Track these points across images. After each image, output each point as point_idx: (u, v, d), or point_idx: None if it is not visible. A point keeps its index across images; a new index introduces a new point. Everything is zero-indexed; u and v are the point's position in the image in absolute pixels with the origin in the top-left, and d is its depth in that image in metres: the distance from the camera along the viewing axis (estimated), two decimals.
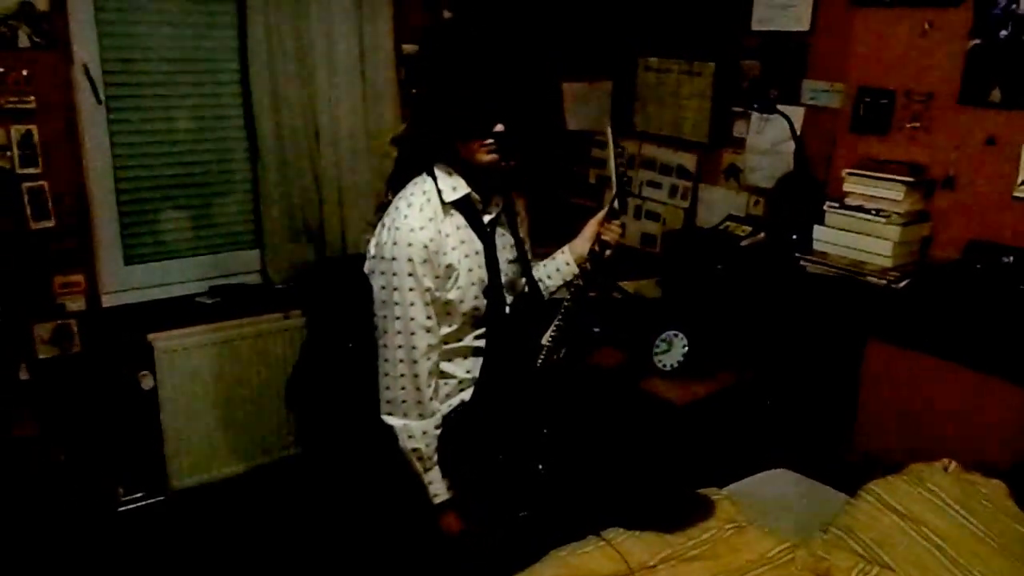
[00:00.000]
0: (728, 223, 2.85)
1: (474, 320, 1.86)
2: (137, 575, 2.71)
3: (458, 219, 1.81)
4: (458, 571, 2.03)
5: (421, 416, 1.81)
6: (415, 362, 1.78)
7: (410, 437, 1.81)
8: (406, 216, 1.74)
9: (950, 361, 2.26)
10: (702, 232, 3.00)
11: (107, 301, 2.84)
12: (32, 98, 2.52)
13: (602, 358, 2.67)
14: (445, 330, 1.84)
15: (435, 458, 1.84)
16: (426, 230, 1.74)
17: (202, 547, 2.82)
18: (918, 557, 1.88)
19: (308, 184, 3.05)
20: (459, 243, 1.79)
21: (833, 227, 2.44)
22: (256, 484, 3.13)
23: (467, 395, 1.91)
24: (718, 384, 2.57)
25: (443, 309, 1.81)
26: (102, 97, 2.71)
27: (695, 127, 3.06)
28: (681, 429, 2.43)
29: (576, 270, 2.03)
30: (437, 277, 1.76)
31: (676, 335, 2.57)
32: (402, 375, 1.79)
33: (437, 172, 1.79)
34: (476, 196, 1.82)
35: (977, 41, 2.22)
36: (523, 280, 1.96)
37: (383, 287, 1.77)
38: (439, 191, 1.78)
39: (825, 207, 2.46)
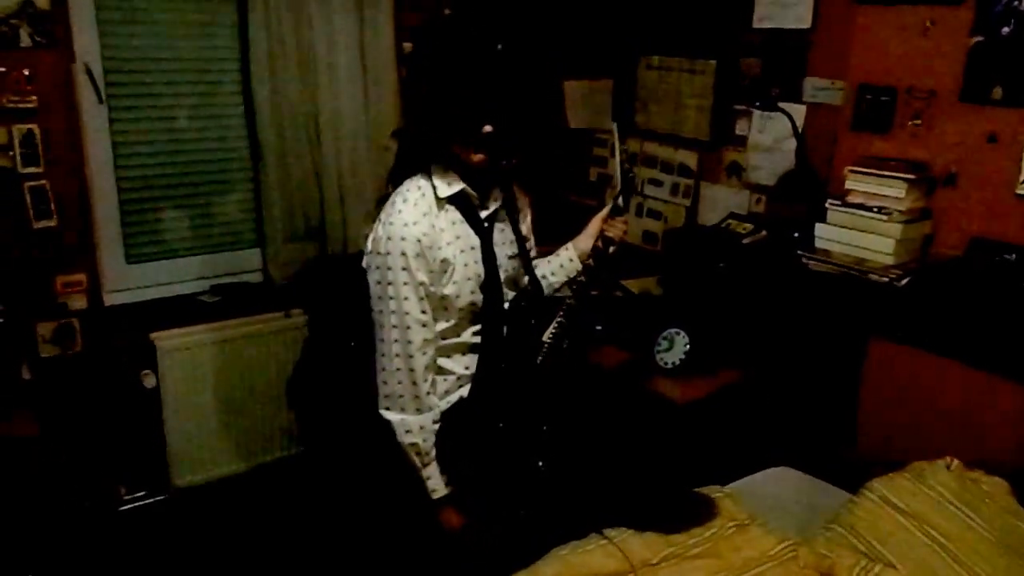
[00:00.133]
0: (730, 221, 2.85)
1: (472, 316, 1.86)
2: (139, 574, 2.71)
3: (454, 214, 1.81)
4: (459, 570, 2.03)
5: (418, 411, 1.82)
6: (411, 356, 1.78)
7: (407, 432, 1.82)
8: (400, 211, 1.75)
9: (952, 359, 2.26)
10: (704, 230, 3.00)
11: (109, 300, 2.84)
12: (34, 97, 2.52)
13: (604, 356, 2.67)
14: (443, 325, 1.84)
15: (433, 453, 1.85)
16: (419, 225, 1.74)
17: (204, 546, 2.82)
18: (920, 555, 1.88)
19: (309, 182, 3.05)
20: (454, 238, 1.80)
21: (835, 225, 2.44)
22: (258, 483, 3.13)
23: (466, 391, 1.91)
24: (720, 382, 2.57)
25: (440, 304, 1.81)
26: (103, 96, 2.71)
27: (696, 125, 3.06)
28: (683, 427, 2.43)
29: (580, 267, 2.03)
30: (431, 272, 1.76)
31: (678, 333, 2.57)
32: (398, 369, 1.80)
33: (433, 168, 1.80)
34: (472, 192, 1.82)
35: (979, 38, 2.22)
36: (525, 276, 1.96)
37: (378, 282, 1.78)
38: (434, 187, 1.79)
39: (827, 205, 2.45)
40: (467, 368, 1.91)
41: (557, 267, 2.08)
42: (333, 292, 2.99)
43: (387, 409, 1.84)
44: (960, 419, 2.27)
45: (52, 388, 2.74)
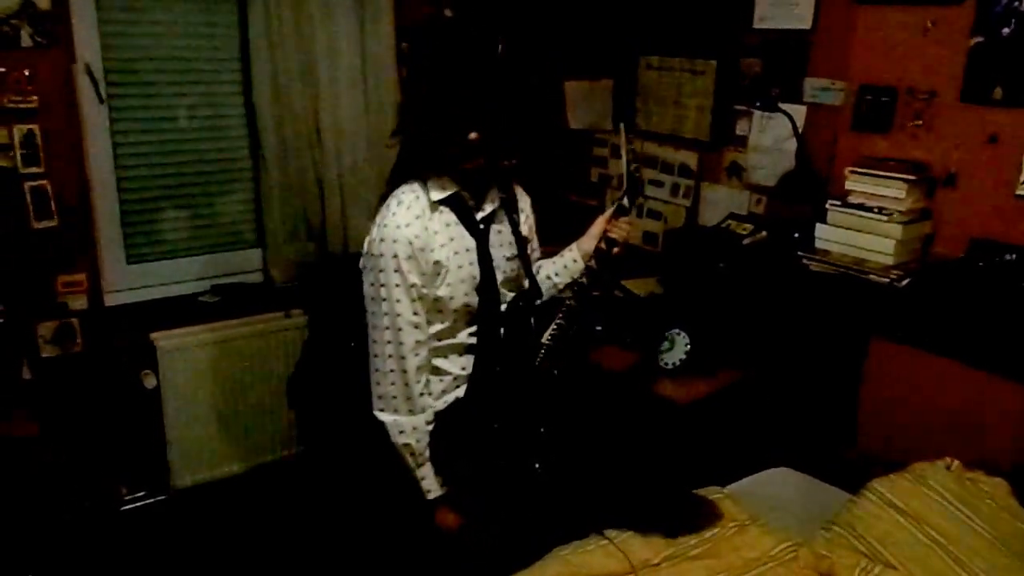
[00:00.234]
0: (730, 221, 2.85)
1: (467, 317, 1.87)
2: (139, 574, 2.71)
3: (448, 217, 1.81)
4: (458, 570, 2.03)
5: (411, 412, 1.83)
6: (403, 358, 1.79)
7: (400, 432, 1.83)
8: (394, 213, 1.77)
9: (952, 359, 2.26)
10: (704, 231, 3.00)
11: (109, 300, 2.84)
12: (34, 97, 2.52)
13: (606, 358, 2.67)
14: (438, 327, 1.85)
15: (427, 454, 1.85)
16: (412, 227, 1.75)
17: (204, 546, 2.82)
18: (920, 555, 1.88)
19: (310, 183, 3.05)
20: (448, 240, 1.80)
21: (835, 225, 2.44)
22: (258, 483, 3.14)
23: (463, 391, 1.91)
24: (720, 382, 2.57)
25: (434, 306, 1.82)
26: (104, 96, 2.71)
27: (697, 125, 3.06)
28: (683, 427, 2.43)
29: (583, 267, 2.03)
30: (423, 274, 1.77)
31: (678, 333, 2.57)
32: (391, 370, 1.81)
33: (428, 171, 1.81)
34: (466, 195, 1.82)
35: (979, 39, 2.22)
36: (524, 277, 1.96)
37: (372, 283, 1.80)
38: (428, 190, 1.79)
39: (827, 205, 2.46)
40: (463, 369, 1.91)
41: (561, 268, 2.08)
42: (333, 292, 2.99)
43: (381, 410, 1.85)
44: (960, 419, 2.27)
45: (52, 388, 2.74)
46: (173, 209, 2.98)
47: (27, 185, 2.57)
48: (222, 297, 3.03)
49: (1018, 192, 2.19)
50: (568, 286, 2.06)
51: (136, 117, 2.82)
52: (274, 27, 2.84)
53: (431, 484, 1.87)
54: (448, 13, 3.22)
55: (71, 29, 2.58)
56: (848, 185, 2.43)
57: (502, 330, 1.89)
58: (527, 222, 2.00)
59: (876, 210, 2.34)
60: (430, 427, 1.85)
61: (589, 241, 2.02)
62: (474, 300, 1.84)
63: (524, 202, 2.01)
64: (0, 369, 2.64)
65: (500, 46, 1.75)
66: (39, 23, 2.49)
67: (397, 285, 1.76)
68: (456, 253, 1.81)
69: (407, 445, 1.84)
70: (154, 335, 2.90)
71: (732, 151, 2.97)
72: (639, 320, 2.72)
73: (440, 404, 1.89)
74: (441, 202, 1.80)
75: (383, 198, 1.86)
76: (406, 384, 1.81)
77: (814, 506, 2.22)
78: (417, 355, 1.80)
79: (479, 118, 1.71)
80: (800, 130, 2.62)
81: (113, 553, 2.76)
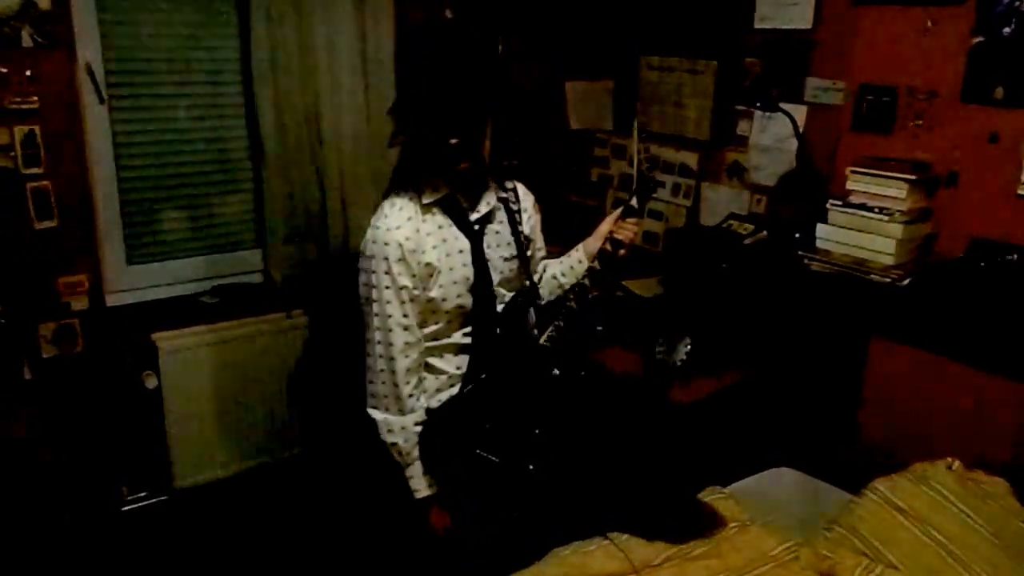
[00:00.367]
0: (731, 221, 2.85)
1: (461, 317, 1.87)
2: (141, 575, 2.71)
3: (441, 219, 1.82)
4: (458, 570, 2.04)
5: (400, 412, 1.84)
6: (392, 358, 1.81)
7: (389, 431, 1.85)
8: (386, 216, 1.79)
9: (953, 359, 2.26)
10: (705, 231, 3.00)
11: (110, 301, 2.84)
12: (35, 98, 2.53)
13: (606, 357, 2.67)
14: (433, 327, 1.86)
15: (415, 454, 1.86)
16: (402, 229, 1.76)
17: (206, 546, 2.82)
18: (922, 555, 1.88)
19: (310, 183, 3.05)
20: (440, 242, 1.80)
21: (836, 225, 2.44)
22: (260, 483, 3.14)
23: (458, 390, 1.92)
24: (721, 383, 2.57)
25: (428, 307, 1.83)
26: (105, 97, 2.71)
27: (697, 125, 3.06)
28: (684, 428, 2.43)
29: (588, 268, 2.02)
30: (414, 276, 1.78)
31: (679, 334, 2.56)
32: (382, 370, 1.83)
33: (421, 173, 1.81)
34: (460, 196, 1.82)
35: (980, 39, 2.22)
36: (523, 277, 1.95)
37: (364, 284, 1.82)
38: (420, 192, 1.80)
39: (828, 205, 2.45)
40: (458, 368, 1.91)
41: (567, 268, 2.07)
42: (334, 293, 2.99)
43: (373, 408, 1.87)
44: (961, 419, 2.27)
45: (54, 389, 2.74)
46: (174, 210, 2.98)
47: (28, 186, 2.57)
48: (223, 298, 3.03)
49: (1019, 192, 2.19)
50: (573, 287, 2.06)
51: (137, 118, 2.82)
52: (275, 27, 2.84)
53: (419, 484, 1.88)
54: (449, 14, 3.22)
55: (72, 30, 2.58)
56: (849, 185, 2.43)
57: (498, 330, 1.89)
58: (529, 222, 1.99)
59: (877, 210, 2.34)
60: (418, 428, 1.86)
61: (595, 241, 2.01)
62: (468, 301, 1.84)
63: (527, 201, 2.00)
64: (1, 369, 2.64)
65: (500, 46, 1.75)
66: (40, 24, 2.49)
67: (387, 287, 1.77)
68: (448, 255, 1.81)
69: (394, 444, 1.86)
70: (155, 336, 2.90)
71: (733, 151, 2.97)
72: (640, 320, 2.72)
73: (435, 402, 1.90)
74: (433, 204, 1.81)
75: (384, 198, 1.87)
76: (395, 384, 1.82)
77: (815, 506, 2.22)
78: (407, 356, 1.82)
79: (456, 122, 1.71)
80: (801, 130, 2.62)
81: (114, 553, 2.76)
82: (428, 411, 1.88)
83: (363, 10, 3.01)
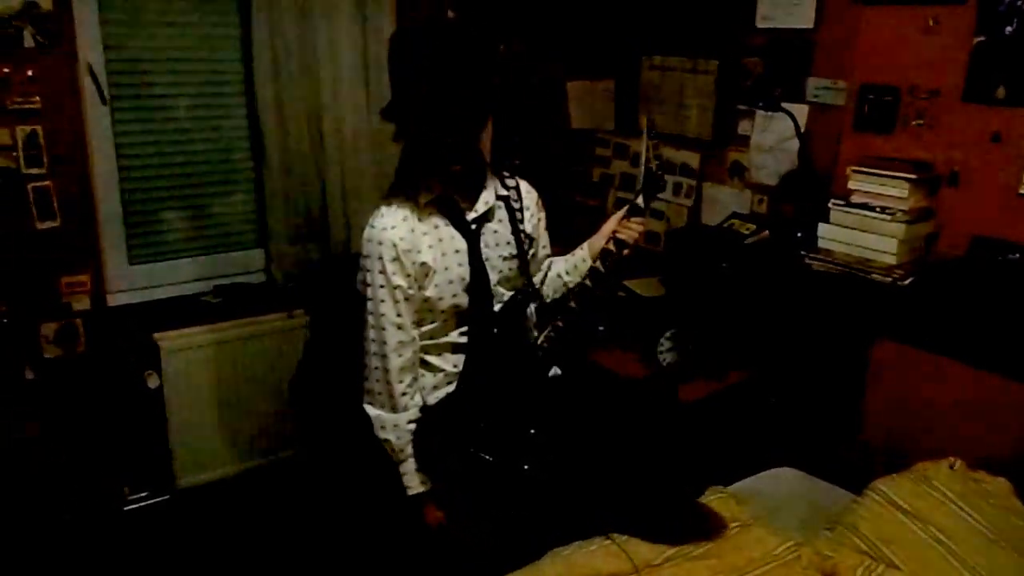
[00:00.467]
0: (732, 221, 2.85)
1: (457, 317, 1.87)
2: (143, 574, 2.72)
3: (437, 219, 1.82)
4: (456, 569, 2.04)
5: (393, 409, 1.85)
6: (385, 356, 1.82)
7: (382, 428, 1.86)
8: (382, 215, 1.79)
9: (955, 359, 2.26)
10: (706, 230, 2.99)
11: (112, 301, 2.84)
12: (37, 98, 2.53)
13: (606, 357, 2.67)
14: (429, 326, 1.86)
15: (408, 451, 1.87)
16: (397, 229, 1.77)
17: (208, 546, 2.82)
18: (924, 555, 1.88)
19: (312, 183, 3.05)
20: (436, 242, 1.81)
21: (838, 225, 2.44)
22: (261, 483, 3.14)
23: (455, 388, 1.92)
24: (723, 382, 2.57)
25: (424, 306, 1.83)
26: (106, 97, 2.71)
27: (699, 125, 3.06)
28: (686, 427, 2.43)
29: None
30: (408, 275, 1.78)
31: (680, 333, 2.56)
32: (375, 368, 1.84)
33: (418, 173, 1.82)
34: (457, 196, 1.83)
35: (982, 38, 2.22)
36: (522, 276, 1.95)
37: (361, 282, 1.84)
38: (416, 192, 1.80)
39: (830, 205, 2.45)
40: (456, 366, 1.91)
41: (572, 267, 2.06)
42: (335, 293, 2.99)
43: (368, 404, 1.89)
44: (963, 419, 2.26)
45: (56, 388, 2.75)
46: (176, 210, 2.98)
47: (30, 186, 2.58)
48: (224, 297, 3.04)
49: (1021, 191, 2.18)
50: (574, 287, 2.05)
51: (139, 118, 2.83)
52: (277, 27, 2.84)
53: (411, 481, 1.89)
54: (451, 14, 3.22)
55: (74, 30, 2.58)
56: (851, 184, 2.43)
57: (495, 329, 1.89)
58: (532, 220, 1.98)
59: (879, 209, 2.34)
60: (411, 426, 1.86)
61: (599, 240, 1.98)
62: (464, 300, 1.84)
63: (529, 199, 1.98)
64: (3, 370, 2.65)
65: (501, 46, 1.75)
66: (42, 24, 2.49)
67: (381, 286, 1.78)
68: (444, 254, 1.81)
69: (387, 441, 1.87)
70: (157, 335, 2.90)
71: (734, 151, 2.97)
72: (641, 320, 2.72)
73: (432, 399, 1.90)
74: (430, 204, 1.81)
75: (383, 198, 1.88)
76: (388, 383, 1.84)
77: (817, 506, 2.22)
78: (400, 355, 1.82)
79: (455, 123, 1.71)
80: (802, 130, 2.62)
81: (116, 553, 2.77)
82: (425, 408, 1.89)
83: (364, 10, 3.01)
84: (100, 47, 2.67)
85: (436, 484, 1.90)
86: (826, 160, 2.62)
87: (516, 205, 1.93)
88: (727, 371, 2.61)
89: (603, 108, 3.45)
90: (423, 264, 1.79)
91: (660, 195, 1.91)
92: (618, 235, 1.86)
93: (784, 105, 2.62)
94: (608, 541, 1.93)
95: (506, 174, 1.95)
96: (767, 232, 2.71)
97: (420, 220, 1.80)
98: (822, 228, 2.47)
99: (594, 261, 1.91)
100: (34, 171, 2.57)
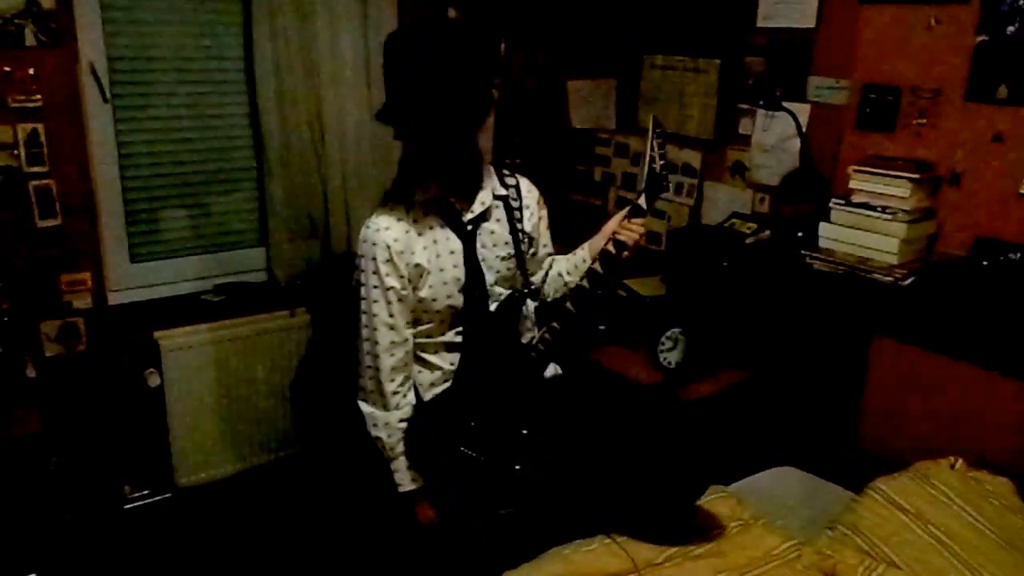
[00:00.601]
0: (733, 220, 2.84)
1: (453, 316, 1.87)
2: (144, 572, 2.72)
3: (432, 219, 1.82)
4: (453, 567, 2.04)
5: (385, 408, 1.86)
6: (377, 356, 1.83)
7: (374, 425, 1.88)
8: (377, 216, 1.80)
9: (956, 358, 2.25)
10: (707, 230, 2.99)
11: (113, 299, 2.84)
12: (38, 96, 2.53)
13: (607, 356, 2.67)
14: (425, 325, 1.87)
15: (399, 449, 1.88)
16: (391, 230, 1.77)
17: (208, 545, 2.83)
18: (924, 555, 1.88)
19: (313, 182, 3.05)
20: (431, 243, 1.81)
21: (839, 224, 2.44)
22: (262, 482, 3.14)
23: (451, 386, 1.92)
24: (723, 382, 2.57)
25: (419, 306, 1.84)
26: (108, 95, 2.71)
27: (700, 124, 3.06)
28: (686, 426, 2.43)
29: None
30: (402, 276, 1.79)
31: (681, 332, 2.56)
32: (368, 366, 1.85)
33: (414, 174, 1.82)
34: (452, 197, 1.82)
35: (984, 37, 2.22)
36: (520, 276, 1.95)
37: (356, 281, 1.85)
38: (414, 192, 1.81)
39: (831, 204, 2.45)
40: (452, 364, 1.92)
41: (572, 266, 2.05)
42: (337, 291, 2.99)
43: (362, 401, 1.90)
44: (964, 418, 2.26)
45: (56, 387, 2.75)
46: (177, 208, 2.98)
47: (31, 184, 2.57)
48: (226, 296, 3.04)
49: (1022, 191, 2.18)
50: (572, 288, 2.05)
51: (140, 116, 2.82)
52: (278, 27, 2.84)
53: (402, 478, 1.90)
54: (452, 13, 3.22)
55: (75, 28, 2.58)
56: (852, 184, 2.43)
57: (490, 329, 1.89)
58: (532, 219, 1.98)
59: (880, 209, 2.34)
60: (403, 425, 1.87)
61: (600, 240, 1.97)
62: (458, 301, 1.84)
63: (529, 198, 1.98)
64: (4, 368, 2.65)
65: (502, 45, 1.75)
66: (43, 22, 2.49)
67: (375, 286, 1.79)
68: (439, 256, 1.81)
69: (379, 438, 1.88)
70: (158, 334, 2.90)
71: (736, 150, 2.97)
72: (642, 319, 2.72)
73: (429, 395, 1.91)
74: (425, 204, 1.81)
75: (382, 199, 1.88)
76: (379, 381, 1.85)
77: (818, 505, 2.22)
78: (392, 355, 1.83)
79: (455, 123, 1.71)
80: (804, 129, 2.62)
81: (117, 551, 2.77)
82: (420, 404, 1.89)
83: (366, 9, 3.01)
84: (101, 45, 2.67)
85: (428, 482, 1.91)
86: (827, 159, 2.62)
87: (515, 204, 1.93)
88: (728, 370, 2.61)
89: (604, 107, 3.45)
90: (417, 265, 1.79)
91: (662, 195, 1.89)
92: (618, 236, 1.84)
93: (785, 104, 2.62)
94: (609, 540, 1.93)
95: (506, 173, 1.95)
96: (768, 232, 2.71)
97: (415, 221, 1.80)
98: (823, 228, 2.47)
99: (593, 262, 1.88)
100: (35, 169, 2.57)
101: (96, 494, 2.90)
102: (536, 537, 1.97)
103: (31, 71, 2.50)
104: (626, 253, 1.83)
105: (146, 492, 3.02)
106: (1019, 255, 2.18)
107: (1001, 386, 2.18)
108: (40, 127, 2.55)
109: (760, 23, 2.79)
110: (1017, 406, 2.16)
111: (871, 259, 2.35)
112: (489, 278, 1.87)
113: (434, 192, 1.81)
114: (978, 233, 2.28)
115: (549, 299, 2.07)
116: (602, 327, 2.78)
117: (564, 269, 2.07)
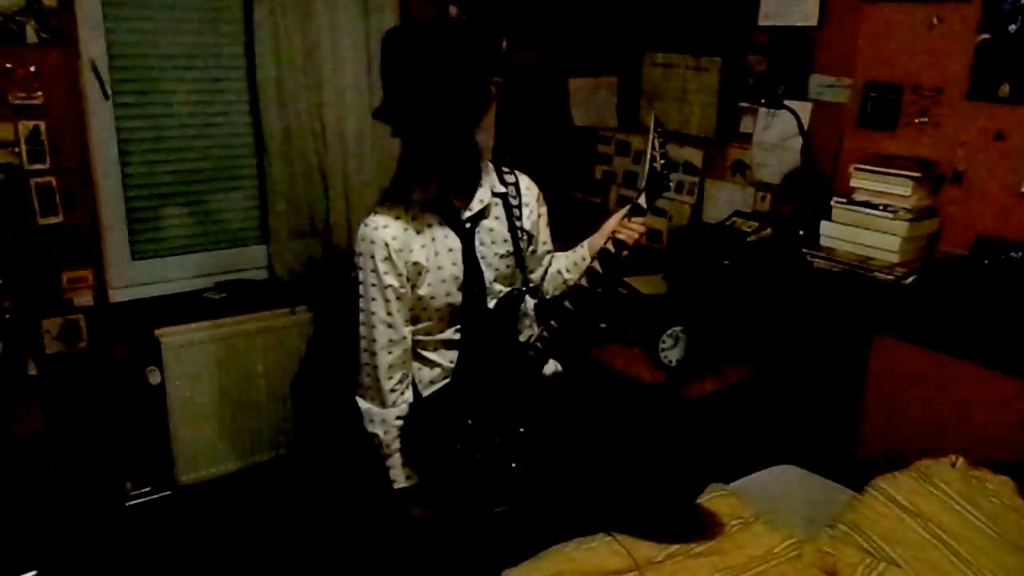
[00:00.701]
0: (735, 219, 2.84)
1: (452, 314, 1.87)
2: (145, 570, 2.72)
3: (431, 218, 1.82)
4: (452, 566, 2.04)
5: (382, 404, 1.86)
6: (374, 354, 1.83)
7: (371, 421, 1.88)
8: (375, 214, 1.80)
9: (958, 357, 2.25)
10: (708, 228, 2.99)
11: (114, 296, 2.85)
12: (40, 94, 2.53)
13: (608, 354, 2.67)
14: (424, 323, 1.87)
15: (395, 446, 1.88)
16: (390, 228, 1.77)
17: (209, 542, 2.83)
18: (925, 553, 1.87)
19: (314, 179, 3.05)
20: (429, 241, 1.80)
21: (840, 223, 2.43)
22: (263, 479, 3.14)
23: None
24: (724, 380, 2.57)
25: (417, 304, 1.84)
26: (109, 93, 2.71)
27: (702, 122, 3.06)
28: (687, 425, 2.43)
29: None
30: (400, 275, 1.79)
31: (682, 331, 2.56)
32: (366, 363, 1.85)
33: (413, 173, 1.81)
34: (451, 195, 1.82)
35: (986, 35, 2.21)
36: (519, 274, 1.94)
37: (354, 279, 1.84)
38: (411, 191, 1.80)
39: (832, 203, 2.45)
40: (451, 362, 1.92)
41: (571, 264, 2.04)
42: (338, 289, 2.99)
43: (360, 397, 1.90)
44: (965, 417, 2.26)
45: (58, 384, 2.75)
46: (178, 206, 2.99)
47: (32, 181, 2.58)
48: (227, 294, 3.04)
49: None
50: (571, 287, 2.04)
51: (141, 113, 2.83)
52: (279, 23, 2.84)
53: (397, 475, 1.90)
54: (453, 11, 3.22)
55: (76, 26, 2.59)
56: (853, 182, 2.43)
57: (487, 326, 1.89)
58: (531, 216, 1.97)
59: (881, 207, 2.34)
60: (399, 422, 1.87)
61: (600, 238, 1.96)
62: (457, 299, 1.84)
63: (529, 196, 1.97)
64: (6, 365, 2.65)
65: (503, 43, 1.75)
66: (45, 20, 2.49)
67: (373, 284, 1.79)
68: (437, 254, 1.81)
69: (375, 435, 1.89)
70: (159, 331, 2.91)
71: (737, 148, 2.97)
72: (643, 317, 2.71)
73: (428, 392, 1.91)
74: (423, 202, 1.81)
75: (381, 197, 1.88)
76: (377, 379, 1.85)
77: (818, 504, 2.22)
78: (390, 353, 1.83)
79: (454, 122, 1.70)
80: (805, 127, 2.62)
81: (118, 549, 2.77)
82: (418, 401, 1.89)
83: (367, 7, 3.00)
84: (103, 43, 2.67)
85: (423, 479, 1.91)
86: (829, 158, 2.61)
87: (514, 202, 1.92)
88: (729, 368, 2.61)
89: (606, 105, 3.45)
90: (415, 263, 1.79)
91: (664, 194, 1.89)
92: (618, 235, 1.83)
93: (787, 103, 2.62)
94: (610, 538, 1.94)
95: (505, 170, 1.95)
96: (769, 230, 2.70)
97: (413, 219, 1.80)
98: (824, 226, 2.47)
99: (593, 260, 1.87)
100: (37, 167, 2.57)
101: (97, 491, 2.90)
102: (536, 535, 1.98)
103: (32, 68, 2.51)
104: (625, 252, 1.83)
105: (147, 489, 3.03)
106: (1021, 254, 2.17)
107: (1002, 385, 2.18)
108: (41, 124, 2.55)
109: (762, 21, 2.79)
110: (1018, 405, 2.16)
111: (872, 257, 2.34)
112: (488, 276, 1.87)
113: (432, 190, 1.80)
114: (980, 232, 2.28)
115: (548, 297, 2.07)
116: (603, 325, 2.78)
117: (563, 267, 2.06)
